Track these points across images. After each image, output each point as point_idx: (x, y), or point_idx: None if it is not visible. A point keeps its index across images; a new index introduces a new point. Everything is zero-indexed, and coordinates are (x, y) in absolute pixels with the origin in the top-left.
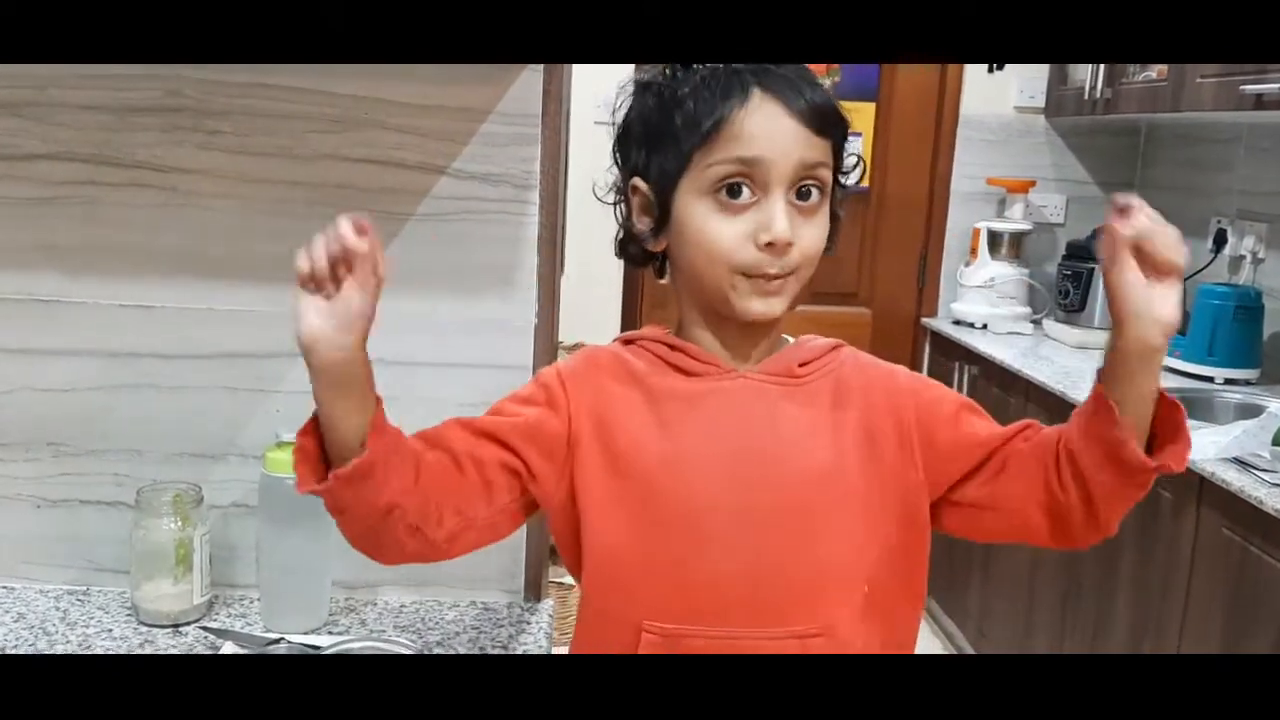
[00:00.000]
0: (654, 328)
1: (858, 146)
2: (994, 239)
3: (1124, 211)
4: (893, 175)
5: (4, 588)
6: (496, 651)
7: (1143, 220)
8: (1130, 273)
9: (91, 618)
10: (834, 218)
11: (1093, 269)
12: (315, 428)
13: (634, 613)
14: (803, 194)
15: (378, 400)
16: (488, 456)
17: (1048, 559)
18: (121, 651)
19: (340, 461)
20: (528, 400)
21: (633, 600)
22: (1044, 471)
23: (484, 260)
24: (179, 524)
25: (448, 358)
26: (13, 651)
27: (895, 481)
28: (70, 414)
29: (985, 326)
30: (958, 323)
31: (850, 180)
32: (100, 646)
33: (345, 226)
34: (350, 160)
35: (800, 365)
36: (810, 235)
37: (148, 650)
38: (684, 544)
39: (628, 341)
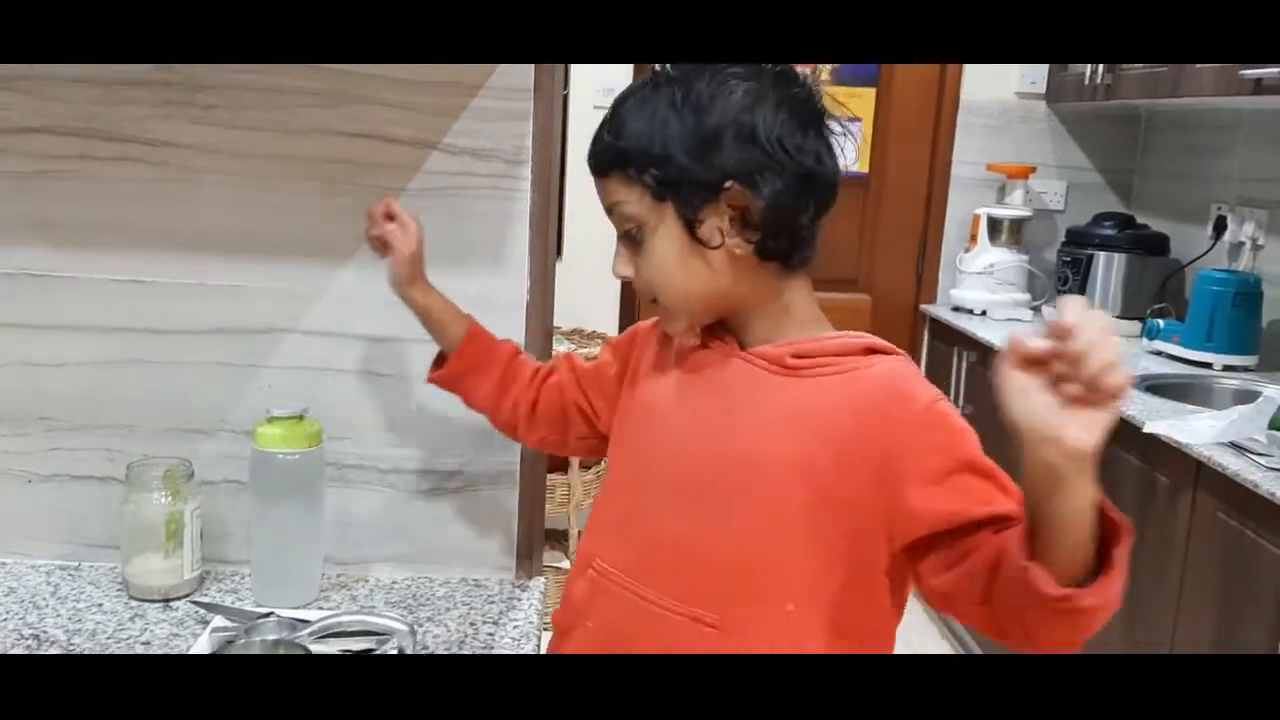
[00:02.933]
0: None
1: (856, 132)
2: (994, 225)
3: (1059, 333)
4: (892, 161)
5: None
6: (486, 627)
7: (1083, 339)
8: (1036, 395)
9: (82, 592)
10: (712, 225)
11: (1092, 255)
12: None
13: (593, 546)
14: (625, 233)
15: (470, 326)
16: (568, 397)
17: None
18: (111, 624)
19: None
20: (609, 346)
21: (595, 534)
22: (985, 577)
23: (475, 236)
24: (169, 499)
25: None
26: (1, 623)
27: (847, 512)
28: (61, 389)
29: (985, 313)
30: (957, 309)
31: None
32: (90, 620)
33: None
34: (342, 135)
35: (795, 357)
36: (644, 269)
37: (137, 624)
38: (633, 496)
39: None
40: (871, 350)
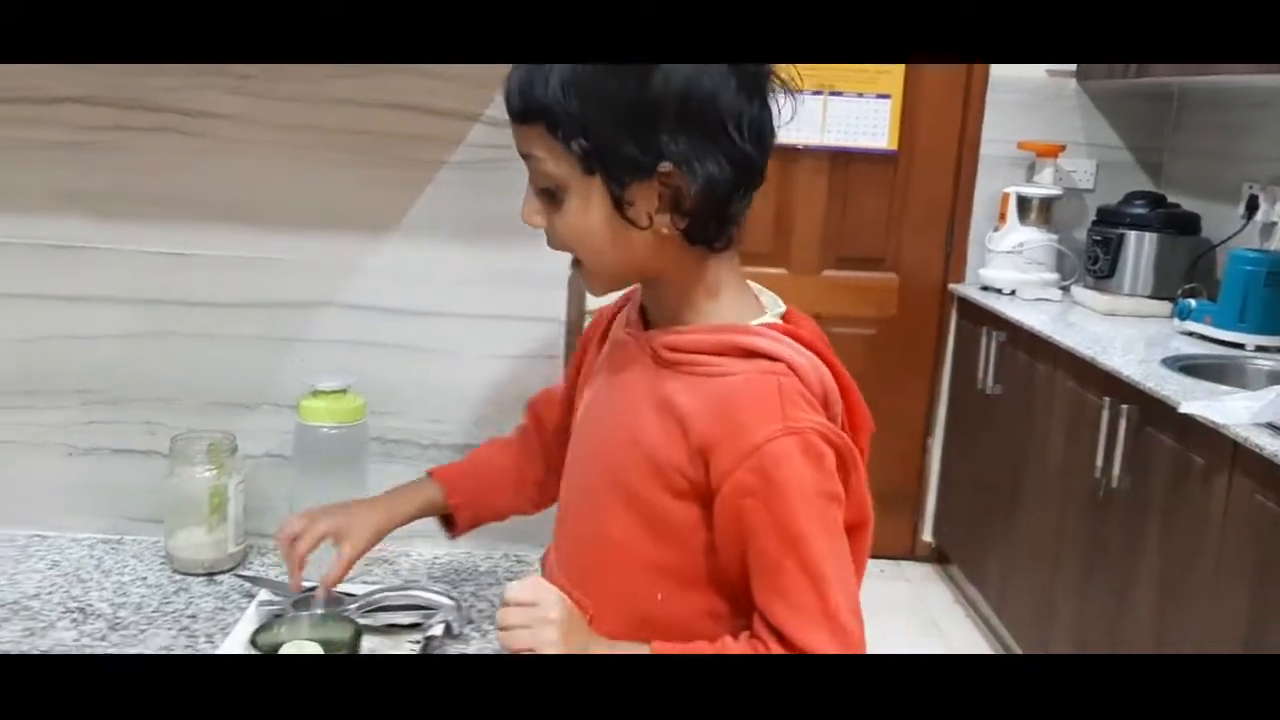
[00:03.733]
0: None
1: (885, 111)
2: (1023, 204)
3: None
4: (921, 138)
5: (37, 536)
6: None
7: None
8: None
9: (125, 565)
10: (642, 198)
11: (1123, 235)
12: None
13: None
14: (541, 187)
15: (442, 483)
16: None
17: (1072, 522)
18: (155, 598)
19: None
20: (567, 373)
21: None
22: None
23: (516, 209)
24: (213, 472)
25: (479, 309)
26: (46, 596)
27: (698, 506)
28: (99, 362)
29: (1013, 293)
30: (985, 288)
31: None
32: (135, 593)
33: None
34: (382, 106)
35: (669, 350)
36: (560, 229)
37: (182, 597)
38: (563, 493)
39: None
40: (753, 353)
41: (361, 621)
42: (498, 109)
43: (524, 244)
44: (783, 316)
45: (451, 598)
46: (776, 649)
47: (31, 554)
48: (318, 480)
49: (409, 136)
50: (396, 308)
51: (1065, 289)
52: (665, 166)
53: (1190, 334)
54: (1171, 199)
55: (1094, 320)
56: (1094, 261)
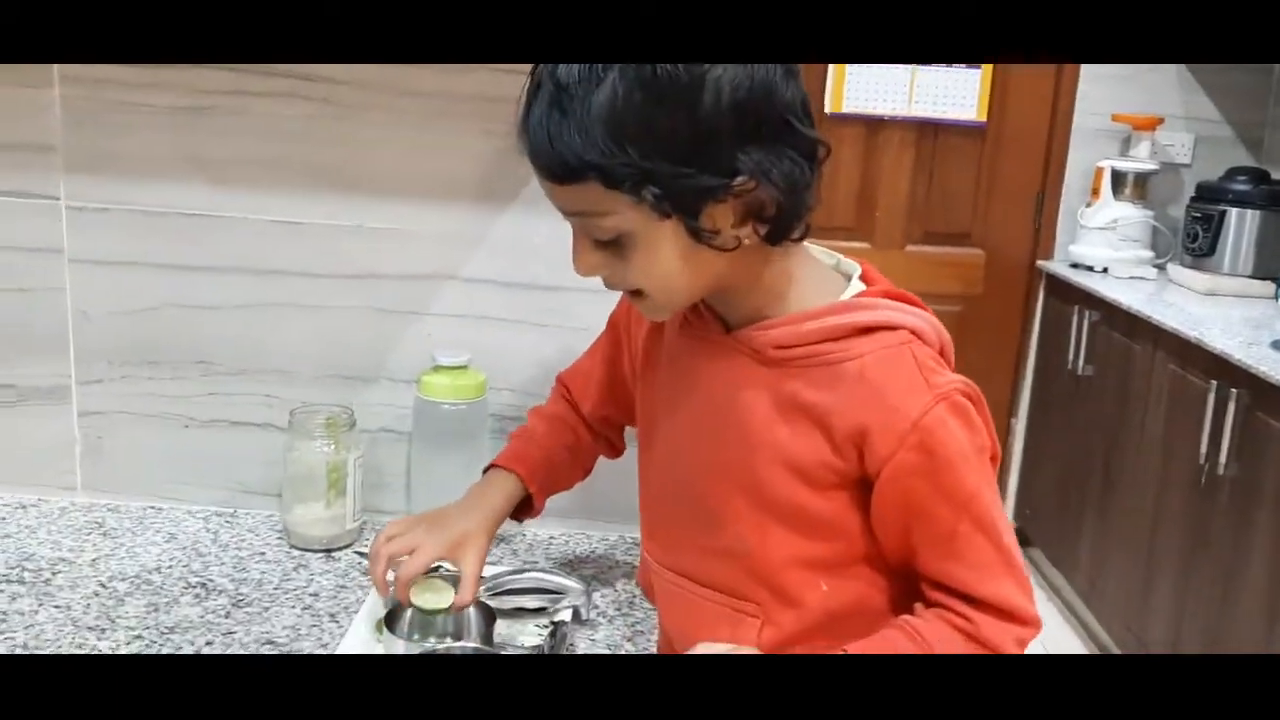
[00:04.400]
0: None
1: (974, 82)
2: (1118, 179)
3: None
4: (1011, 110)
5: (153, 507)
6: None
7: None
8: None
9: (242, 540)
10: (714, 219)
11: (1224, 211)
12: None
13: (643, 536)
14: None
15: (519, 474)
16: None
17: (1171, 509)
18: (276, 574)
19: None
20: (599, 354)
21: (642, 525)
22: None
23: None
24: (332, 447)
25: (592, 283)
26: (167, 570)
27: (850, 494)
28: (219, 332)
29: (1105, 270)
30: (1075, 266)
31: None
32: (254, 569)
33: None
34: (511, 71)
35: (777, 348)
36: (624, 272)
37: (302, 574)
38: (652, 504)
39: None
40: (867, 329)
41: (490, 603)
42: None
43: None
44: (861, 278)
45: (580, 582)
46: (968, 611)
47: (148, 525)
48: (436, 457)
49: None
50: (517, 281)
51: (1160, 267)
52: (740, 181)
53: None
54: (1275, 175)
55: (1192, 300)
56: (1193, 239)
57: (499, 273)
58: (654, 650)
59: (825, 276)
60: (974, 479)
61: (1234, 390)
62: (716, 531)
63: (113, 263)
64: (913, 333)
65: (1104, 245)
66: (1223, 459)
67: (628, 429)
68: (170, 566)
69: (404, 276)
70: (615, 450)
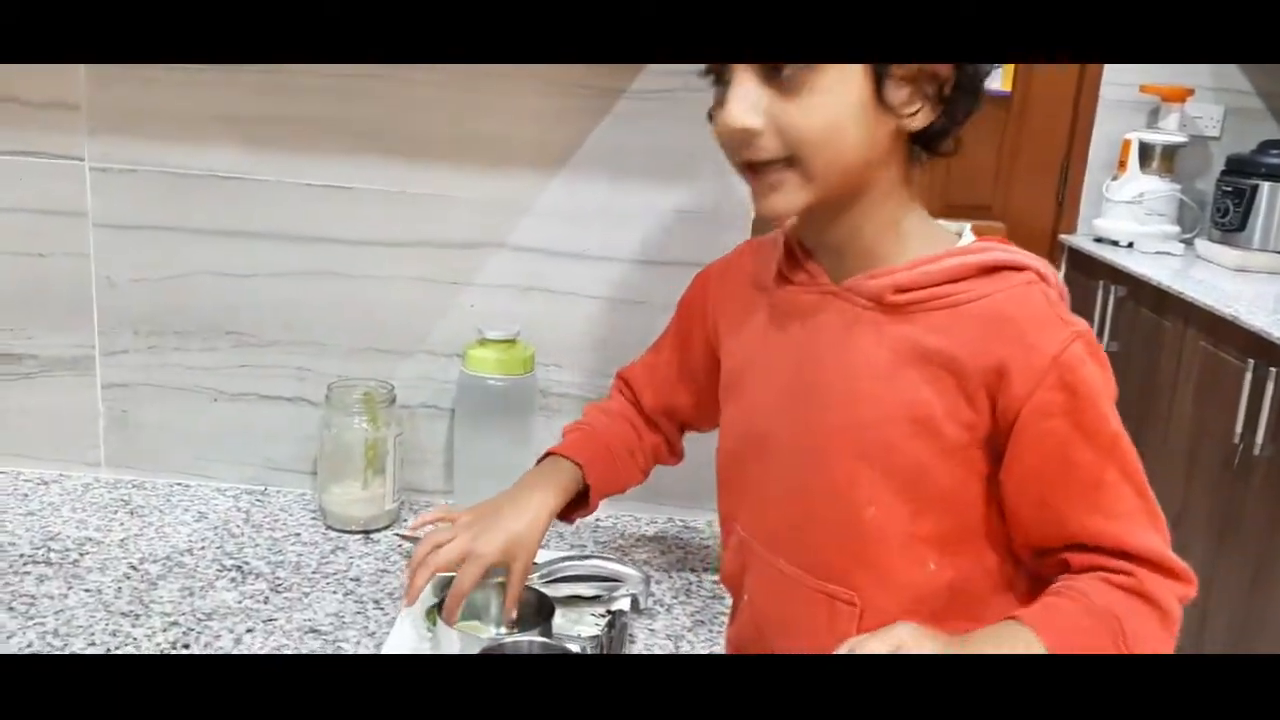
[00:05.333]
0: None
1: None
2: (1145, 151)
3: None
4: (1036, 78)
5: (180, 484)
6: (709, 575)
7: None
8: None
9: (275, 519)
10: (899, 79)
11: (1256, 186)
12: None
13: (729, 509)
14: (767, 78)
15: (579, 463)
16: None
17: (1201, 490)
18: (313, 557)
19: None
20: (666, 342)
21: (726, 496)
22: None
23: (698, 143)
24: (370, 424)
25: (654, 253)
26: (199, 552)
27: (972, 453)
28: (250, 301)
29: (1131, 245)
30: (1099, 240)
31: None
32: (291, 551)
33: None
34: None
35: (898, 291)
36: (792, 115)
37: (340, 557)
38: (746, 466)
39: (782, 229)
40: (994, 268)
41: (544, 591)
42: None
43: (705, 181)
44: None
45: (639, 570)
46: (1126, 565)
47: (176, 504)
48: (480, 435)
49: (588, 64)
50: (568, 250)
51: (1187, 242)
52: None
53: None
54: None
55: (1223, 276)
56: (1223, 214)
57: (549, 241)
58: (719, 642)
59: (940, 231)
60: (1115, 422)
61: (1272, 369)
62: (820, 502)
63: (139, 227)
64: (1038, 274)
65: (1130, 219)
66: (1259, 440)
67: (689, 424)
68: (203, 548)
69: (447, 244)
70: (674, 454)
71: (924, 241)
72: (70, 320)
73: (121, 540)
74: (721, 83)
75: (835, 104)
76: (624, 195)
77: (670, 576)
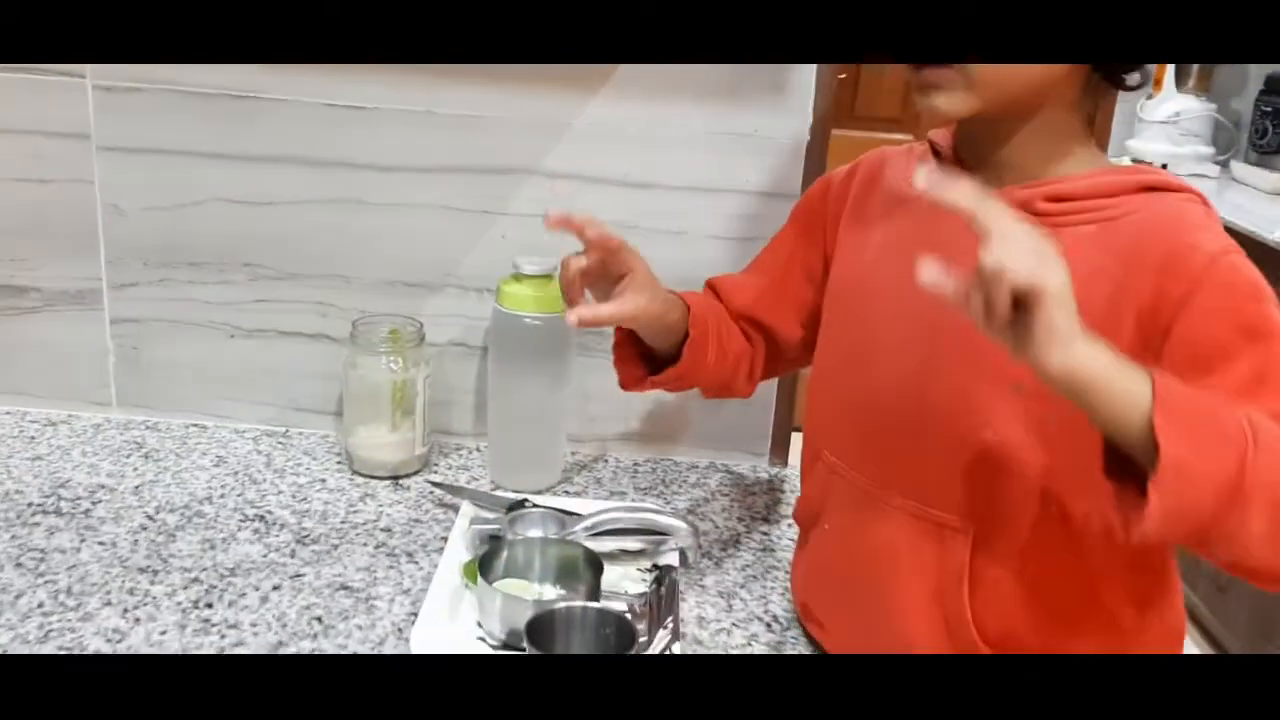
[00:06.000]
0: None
1: None
2: (1181, 68)
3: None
4: None
5: (196, 425)
6: (759, 525)
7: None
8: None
9: (299, 464)
10: None
11: None
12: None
13: (818, 436)
14: None
15: (687, 314)
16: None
17: None
18: (341, 505)
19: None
20: (775, 252)
21: (818, 422)
22: None
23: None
24: (398, 363)
25: (704, 180)
26: (220, 503)
27: None
28: (269, 231)
29: (1165, 167)
30: (1136, 161)
31: None
32: (317, 500)
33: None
34: None
35: (1049, 200)
36: None
37: (369, 505)
38: (854, 379)
39: (928, 141)
40: (1150, 188)
41: (591, 544)
42: None
43: (758, 102)
44: None
45: (686, 521)
46: None
47: (192, 447)
48: (515, 376)
49: None
50: (608, 177)
51: (1223, 164)
52: None
53: None
54: None
55: (1260, 200)
56: (1261, 135)
57: (586, 166)
58: (773, 599)
59: (1100, 155)
60: (1277, 319)
61: None
62: (933, 420)
63: (147, 150)
64: (1199, 197)
65: (1165, 140)
66: None
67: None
68: (223, 496)
69: (479, 170)
70: (750, 378)
71: (1078, 163)
72: (75, 251)
73: (136, 487)
74: None
75: None
76: (667, 117)
77: (717, 527)
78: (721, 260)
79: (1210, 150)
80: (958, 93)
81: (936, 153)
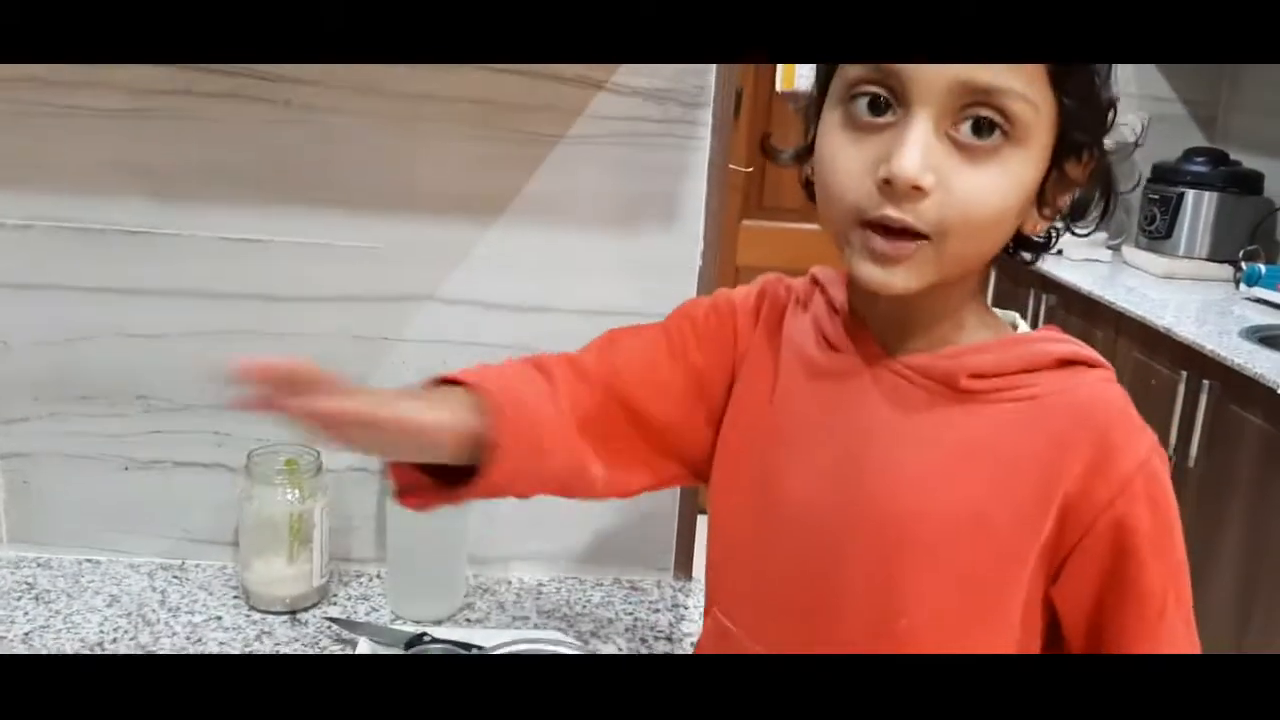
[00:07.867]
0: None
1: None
2: None
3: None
4: None
5: (89, 561)
6: (660, 644)
7: None
8: None
9: (195, 600)
10: (1061, 181)
11: (1181, 194)
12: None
13: (713, 589)
14: (976, 128)
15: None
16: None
17: None
18: (236, 644)
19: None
20: (677, 345)
21: (714, 575)
22: None
23: (643, 190)
24: (295, 494)
25: (595, 303)
26: (111, 649)
27: (1024, 569)
28: (162, 363)
29: (1059, 252)
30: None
31: (1112, 139)
32: (212, 639)
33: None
34: (495, 71)
35: (972, 376)
36: (969, 186)
37: (266, 644)
38: (756, 547)
39: (815, 281)
40: (1067, 362)
41: None
42: (626, 75)
43: (651, 229)
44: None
45: (588, 647)
46: None
47: (86, 586)
48: None
49: (523, 107)
50: (504, 303)
51: (1114, 249)
52: (1107, 143)
53: (1259, 300)
54: (1233, 156)
55: (1150, 283)
56: (1150, 221)
57: (483, 293)
58: None
59: (995, 317)
60: (1182, 550)
61: (1205, 381)
62: (846, 600)
63: (37, 286)
64: (1113, 374)
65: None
66: (1193, 452)
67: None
68: (115, 639)
69: (377, 299)
70: (588, 475)
71: (981, 322)
72: None
73: (25, 634)
74: (876, 111)
75: (1013, 187)
76: (561, 245)
77: (618, 649)
78: None
79: (1103, 235)
80: (928, 266)
81: (834, 307)
